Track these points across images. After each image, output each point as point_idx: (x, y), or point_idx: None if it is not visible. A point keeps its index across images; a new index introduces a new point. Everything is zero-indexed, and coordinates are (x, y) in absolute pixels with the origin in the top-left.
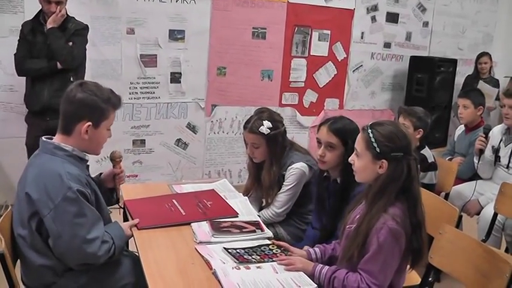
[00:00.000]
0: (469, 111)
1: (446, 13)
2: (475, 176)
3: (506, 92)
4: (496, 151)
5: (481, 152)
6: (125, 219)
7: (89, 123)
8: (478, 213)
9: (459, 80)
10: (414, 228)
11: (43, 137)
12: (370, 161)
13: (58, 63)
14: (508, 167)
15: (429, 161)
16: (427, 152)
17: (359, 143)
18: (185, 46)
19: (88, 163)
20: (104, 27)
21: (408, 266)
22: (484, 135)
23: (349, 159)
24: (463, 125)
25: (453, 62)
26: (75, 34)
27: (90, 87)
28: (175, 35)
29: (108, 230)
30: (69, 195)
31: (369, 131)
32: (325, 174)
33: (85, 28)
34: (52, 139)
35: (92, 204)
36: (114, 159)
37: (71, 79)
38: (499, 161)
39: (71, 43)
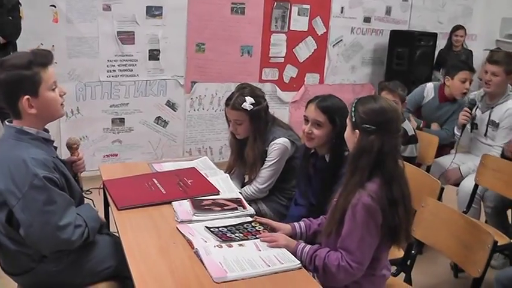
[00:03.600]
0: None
1: None
2: (452, 144)
3: (491, 59)
4: (472, 118)
5: (464, 126)
6: (105, 200)
7: (26, 96)
8: (458, 184)
9: None
10: (390, 204)
11: (6, 121)
12: (351, 130)
13: (1, 38)
14: (485, 135)
15: (409, 134)
16: (407, 125)
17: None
18: (163, 23)
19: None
20: (80, 3)
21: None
22: (468, 110)
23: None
24: (432, 88)
25: (433, 36)
26: (12, 9)
27: (8, 62)
28: (153, 12)
29: (81, 212)
30: (36, 183)
31: (354, 102)
32: (312, 150)
33: (18, 2)
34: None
35: (63, 188)
36: (71, 145)
37: (11, 53)
38: (476, 128)
39: (10, 17)
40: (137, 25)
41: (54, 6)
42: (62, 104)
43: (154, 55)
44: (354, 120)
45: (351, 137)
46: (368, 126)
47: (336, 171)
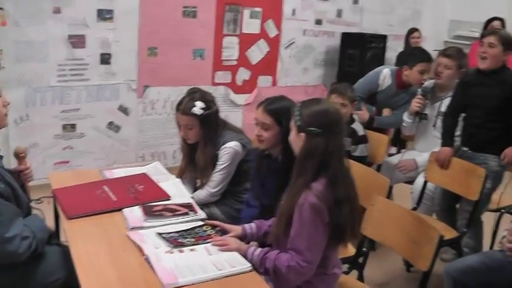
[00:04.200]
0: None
1: None
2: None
3: (445, 52)
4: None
5: (417, 113)
6: (55, 209)
7: None
8: (412, 182)
9: (389, 55)
10: (335, 204)
11: None
12: (295, 134)
13: None
14: (434, 125)
15: (359, 134)
16: (357, 125)
17: (292, 117)
18: (114, 26)
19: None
20: (28, 6)
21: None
22: (421, 97)
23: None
24: (389, 75)
25: (383, 38)
26: None
27: None
28: (104, 15)
29: (28, 223)
30: None
31: (298, 106)
32: (266, 152)
33: None
34: None
35: (8, 199)
36: (18, 154)
37: None
38: (425, 119)
39: None
40: (88, 28)
41: (2, 9)
42: (5, 114)
43: (105, 59)
44: (298, 123)
45: (296, 140)
46: (313, 129)
47: (288, 172)
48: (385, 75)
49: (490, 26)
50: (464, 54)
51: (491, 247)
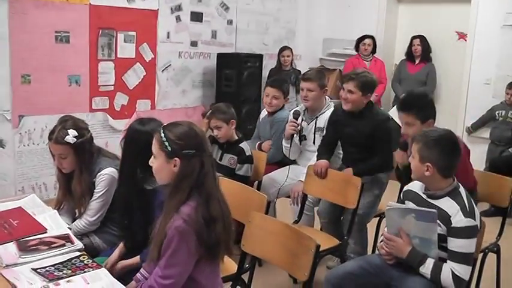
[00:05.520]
0: (279, 102)
1: (249, 11)
2: (285, 159)
3: (304, 77)
4: (300, 130)
5: (292, 136)
6: None
7: None
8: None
9: (266, 73)
10: (208, 223)
11: None
12: (165, 161)
13: None
14: (314, 142)
15: (247, 154)
16: (245, 145)
17: (154, 145)
18: None
19: None
20: None
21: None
22: (294, 120)
23: (150, 161)
24: (265, 110)
25: (259, 57)
26: None
27: None
28: None
29: None
30: None
31: (161, 131)
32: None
33: None
34: None
35: None
36: None
37: None
38: (305, 139)
39: None
40: None
41: None
42: None
43: None
44: (169, 149)
45: (165, 167)
46: (188, 151)
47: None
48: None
49: (361, 44)
50: (323, 74)
51: (373, 251)
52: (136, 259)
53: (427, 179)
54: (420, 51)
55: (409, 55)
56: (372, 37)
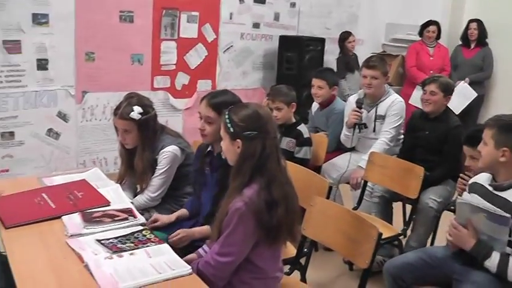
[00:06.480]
0: (324, 91)
1: None
2: (341, 146)
3: (367, 64)
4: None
5: (355, 125)
6: None
7: None
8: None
9: (327, 58)
10: (269, 206)
11: None
12: (229, 142)
13: None
14: (374, 130)
15: (305, 136)
16: (303, 128)
17: (221, 127)
18: (50, 31)
19: None
20: None
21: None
22: (358, 109)
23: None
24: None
25: (321, 41)
26: None
27: None
28: (39, 19)
29: None
30: None
31: (226, 113)
32: (208, 149)
33: None
34: None
35: None
36: None
37: None
38: (365, 127)
39: None
40: (23, 33)
41: None
42: None
43: (42, 65)
44: (231, 130)
45: (230, 148)
46: (249, 132)
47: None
48: None
49: (426, 31)
50: (385, 61)
51: (432, 243)
52: (205, 229)
53: (500, 166)
54: (476, 36)
55: (465, 39)
56: (437, 23)
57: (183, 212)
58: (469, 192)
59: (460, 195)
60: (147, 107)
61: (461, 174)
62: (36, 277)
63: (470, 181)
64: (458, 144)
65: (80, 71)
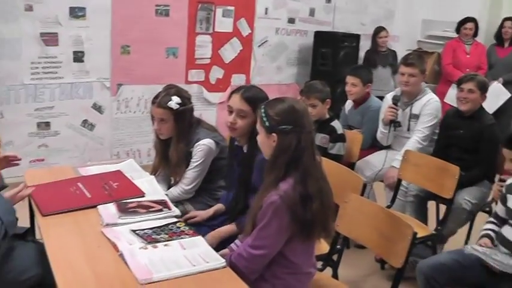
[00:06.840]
0: (358, 89)
1: None
2: (376, 144)
3: (406, 62)
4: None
5: (391, 122)
6: (30, 206)
7: None
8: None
9: (362, 54)
10: (304, 201)
11: None
12: (265, 136)
13: None
14: (408, 129)
15: (338, 132)
16: (336, 124)
17: (257, 121)
18: (87, 24)
19: None
20: (1, 3)
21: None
22: (394, 106)
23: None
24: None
25: (356, 37)
26: None
27: None
28: (76, 12)
29: None
30: None
31: (262, 107)
32: (236, 143)
33: None
34: None
35: None
36: None
37: None
38: (400, 126)
39: None
40: (60, 26)
41: None
42: None
43: (78, 57)
44: (267, 124)
45: (265, 142)
46: (285, 126)
47: (251, 162)
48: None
49: (463, 28)
50: (423, 59)
51: (466, 244)
52: (231, 227)
53: None
54: (511, 34)
55: (499, 38)
56: (474, 20)
57: (219, 206)
58: (505, 194)
59: (496, 200)
60: (185, 98)
61: (498, 179)
62: (72, 264)
63: (508, 181)
64: (493, 143)
65: (115, 63)
